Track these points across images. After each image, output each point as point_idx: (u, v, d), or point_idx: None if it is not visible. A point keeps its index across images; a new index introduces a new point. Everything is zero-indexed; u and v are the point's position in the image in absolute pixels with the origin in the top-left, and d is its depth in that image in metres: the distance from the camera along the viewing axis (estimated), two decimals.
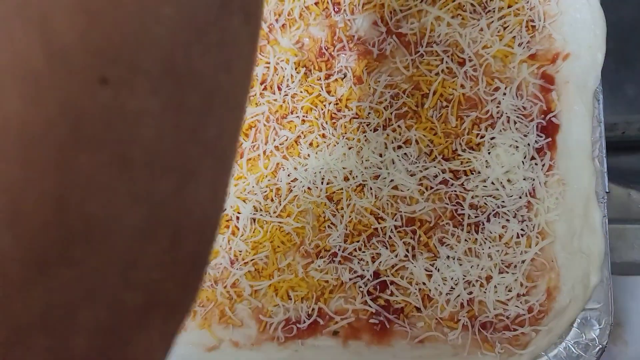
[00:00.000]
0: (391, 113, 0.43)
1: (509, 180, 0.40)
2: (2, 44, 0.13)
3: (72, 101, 0.13)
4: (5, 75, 0.13)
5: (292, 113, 0.43)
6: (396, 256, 0.40)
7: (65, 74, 0.13)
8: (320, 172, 0.42)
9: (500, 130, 0.41)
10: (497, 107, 0.41)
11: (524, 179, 0.40)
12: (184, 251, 0.16)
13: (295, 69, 0.43)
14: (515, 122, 0.41)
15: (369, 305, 0.40)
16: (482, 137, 0.41)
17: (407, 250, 0.40)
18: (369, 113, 0.44)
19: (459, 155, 0.41)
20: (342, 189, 0.41)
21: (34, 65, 0.13)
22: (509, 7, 0.43)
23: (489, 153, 0.41)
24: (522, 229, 0.39)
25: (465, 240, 0.40)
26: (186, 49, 0.15)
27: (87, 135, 0.14)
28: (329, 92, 0.43)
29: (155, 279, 0.16)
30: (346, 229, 0.41)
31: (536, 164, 0.40)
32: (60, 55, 0.13)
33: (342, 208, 0.41)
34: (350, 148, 0.42)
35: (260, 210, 0.42)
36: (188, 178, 0.16)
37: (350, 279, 0.41)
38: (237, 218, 0.42)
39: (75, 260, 0.14)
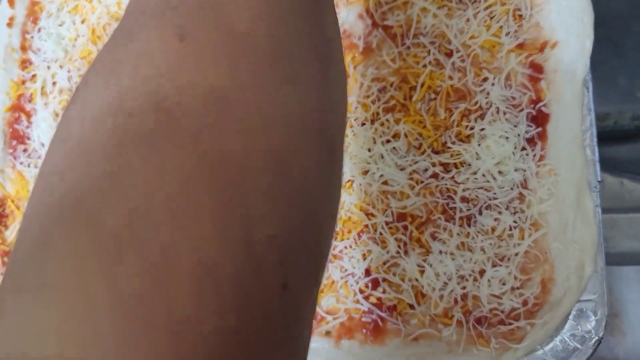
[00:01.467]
0: (379, 107, 0.42)
1: (500, 172, 0.39)
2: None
3: (253, 302, 0.14)
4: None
5: None
6: (387, 252, 0.40)
7: (253, 277, 0.15)
8: None
9: (490, 122, 0.40)
10: (486, 97, 0.41)
11: (515, 170, 0.39)
12: None
13: None
14: (504, 113, 0.40)
15: (361, 304, 0.39)
16: (471, 128, 0.40)
17: (399, 247, 0.40)
18: (356, 107, 0.43)
19: (449, 147, 0.40)
20: None
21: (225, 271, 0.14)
22: None
23: (479, 145, 0.40)
24: (514, 221, 0.38)
25: (458, 234, 0.39)
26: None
27: (264, 333, 0.15)
28: None
29: None
30: (336, 227, 0.40)
31: (527, 155, 0.39)
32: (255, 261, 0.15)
33: None
34: None
35: None
36: None
37: (341, 278, 0.40)
38: None
39: None
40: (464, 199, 0.39)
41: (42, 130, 0.48)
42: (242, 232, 0.14)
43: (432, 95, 0.42)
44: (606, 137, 0.57)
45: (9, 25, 0.50)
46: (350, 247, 0.40)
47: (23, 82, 0.49)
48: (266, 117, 0.16)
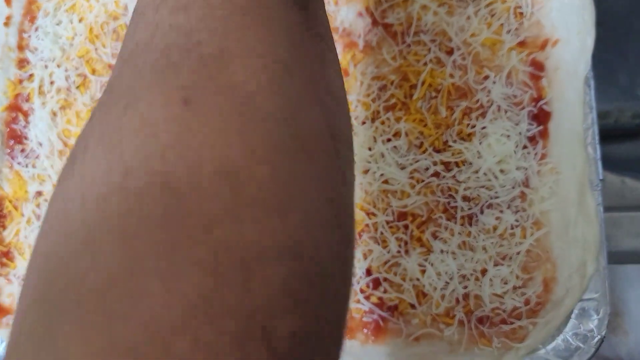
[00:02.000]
0: (379, 105, 0.42)
1: (501, 171, 0.39)
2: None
3: None
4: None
5: None
6: (388, 252, 0.39)
7: None
8: None
9: (491, 120, 0.40)
10: (487, 96, 0.40)
11: (517, 169, 0.39)
12: None
13: None
14: (506, 111, 0.40)
15: (362, 304, 0.39)
16: (473, 127, 0.40)
17: (400, 246, 0.39)
18: (357, 106, 0.43)
19: (450, 146, 0.40)
20: None
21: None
22: None
23: (480, 143, 0.40)
24: (516, 220, 0.38)
25: (459, 233, 0.39)
26: None
27: None
28: None
29: None
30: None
31: (528, 153, 0.39)
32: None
33: None
34: None
35: None
36: None
37: None
38: None
39: None
40: (465, 198, 0.39)
41: (40, 129, 0.47)
42: (263, 331, 0.14)
43: (433, 94, 0.41)
44: (607, 135, 0.57)
45: (6, 24, 0.50)
46: None
47: (20, 82, 0.49)
48: (281, 198, 0.15)
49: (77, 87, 0.48)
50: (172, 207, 0.14)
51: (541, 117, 0.39)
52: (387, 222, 0.40)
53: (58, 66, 0.48)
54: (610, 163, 0.52)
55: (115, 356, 0.13)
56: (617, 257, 0.40)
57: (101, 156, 0.16)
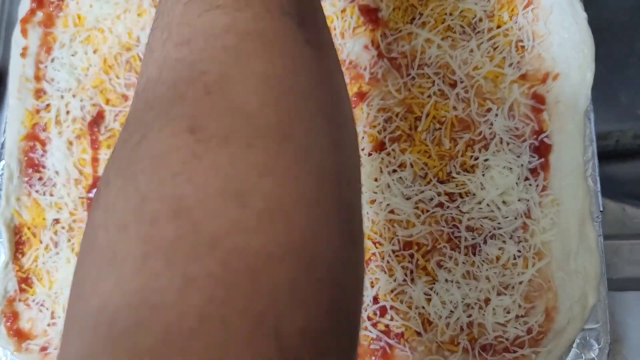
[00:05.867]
0: (385, 137, 0.43)
1: (504, 202, 0.40)
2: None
3: None
4: None
5: None
6: (395, 280, 0.41)
7: None
8: None
9: (494, 152, 0.41)
10: (490, 128, 0.42)
11: (519, 200, 0.40)
12: None
13: None
14: (508, 143, 0.41)
15: (370, 331, 0.40)
16: (476, 159, 0.41)
17: (406, 274, 0.41)
18: (363, 137, 0.44)
19: (454, 177, 0.41)
20: None
21: None
22: (498, 27, 0.43)
23: (483, 175, 0.41)
24: (518, 250, 0.39)
25: (463, 262, 0.40)
26: None
27: None
28: None
29: None
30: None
31: (530, 185, 0.40)
32: None
33: None
34: None
35: None
36: None
37: None
38: None
39: None
40: (469, 228, 0.41)
41: (57, 158, 0.49)
42: (273, 330, 0.15)
43: (437, 126, 0.43)
44: (608, 156, 0.58)
45: (23, 55, 0.52)
46: None
47: (37, 112, 0.51)
48: (285, 206, 0.17)
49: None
50: (183, 226, 0.16)
51: (542, 149, 0.41)
52: (393, 251, 0.41)
53: (73, 96, 0.50)
54: (610, 184, 0.53)
55: (138, 358, 0.14)
56: (617, 284, 0.41)
57: (120, 186, 0.18)
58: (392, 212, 0.42)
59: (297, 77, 0.20)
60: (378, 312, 0.41)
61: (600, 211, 0.39)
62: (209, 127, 0.17)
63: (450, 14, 0.44)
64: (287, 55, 0.20)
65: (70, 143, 0.49)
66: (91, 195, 0.48)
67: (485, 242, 0.40)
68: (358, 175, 0.22)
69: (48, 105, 0.51)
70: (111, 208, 0.17)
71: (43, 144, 0.50)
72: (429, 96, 0.43)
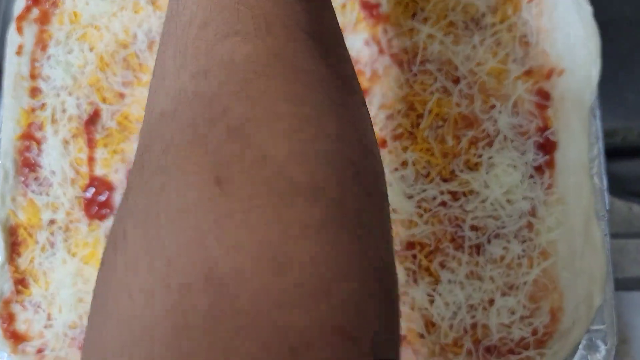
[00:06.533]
0: (386, 135, 0.42)
1: (508, 201, 0.39)
2: None
3: None
4: None
5: None
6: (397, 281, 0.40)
7: None
8: None
9: (498, 150, 0.40)
10: (494, 125, 0.41)
11: (524, 199, 0.39)
12: None
13: None
14: (512, 141, 0.40)
15: None
16: (479, 156, 0.41)
17: (408, 275, 0.40)
18: None
19: (457, 176, 0.41)
20: None
21: None
22: (502, 22, 0.42)
23: (487, 173, 0.40)
24: (523, 250, 0.39)
25: (467, 263, 0.39)
26: None
27: None
28: None
29: None
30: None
31: (535, 183, 0.39)
32: None
33: None
34: None
35: None
36: None
37: None
38: None
39: None
40: (472, 228, 0.40)
41: (53, 158, 0.48)
42: None
43: (440, 123, 0.42)
44: (614, 153, 0.57)
45: (18, 53, 0.51)
46: None
47: (33, 110, 0.50)
48: (325, 277, 0.15)
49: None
50: (218, 301, 0.14)
51: (547, 146, 0.40)
52: (396, 252, 0.40)
53: (70, 94, 0.49)
54: (617, 182, 0.53)
55: None
56: (623, 284, 0.41)
57: (142, 245, 0.16)
58: (394, 211, 0.41)
59: (327, 120, 0.19)
60: None
61: (607, 210, 0.38)
62: (236, 179, 0.16)
63: (453, 9, 0.43)
64: (315, 94, 0.19)
65: (67, 142, 0.49)
66: (88, 194, 0.48)
67: (489, 241, 0.39)
68: (389, 223, 0.21)
69: (44, 104, 0.50)
70: (132, 267, 0.16)
71: (39, 143, 0.49)
72: (432, 93, 0.42)
